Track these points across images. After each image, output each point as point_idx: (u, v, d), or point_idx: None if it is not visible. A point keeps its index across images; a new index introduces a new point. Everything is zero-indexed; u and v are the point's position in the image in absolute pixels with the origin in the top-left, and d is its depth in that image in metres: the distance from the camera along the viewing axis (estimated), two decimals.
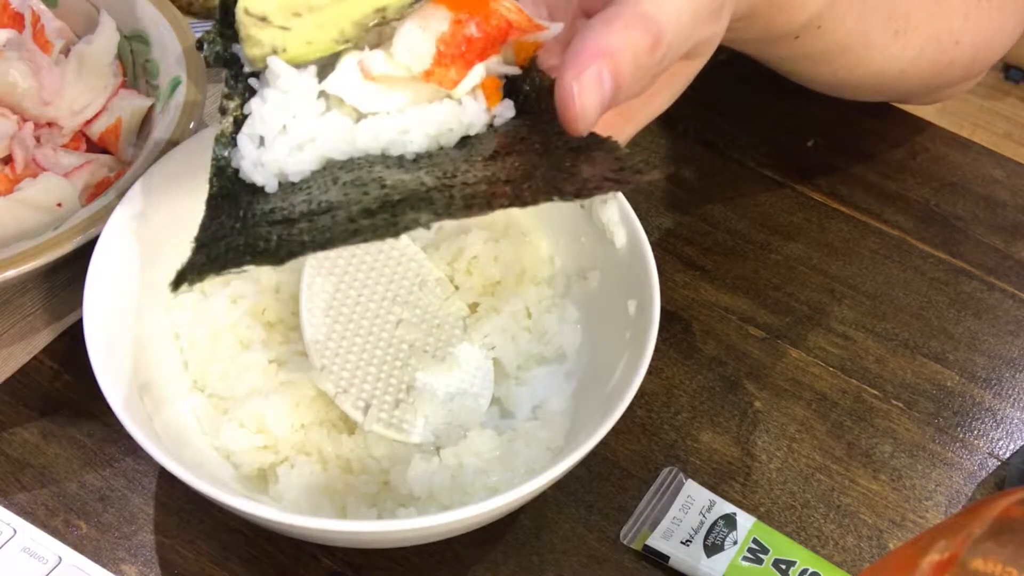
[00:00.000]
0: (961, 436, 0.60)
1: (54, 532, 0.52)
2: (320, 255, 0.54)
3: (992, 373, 0.63)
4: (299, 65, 0.42)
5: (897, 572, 0.38)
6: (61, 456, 0.55)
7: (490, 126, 0.43)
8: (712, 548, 0.53)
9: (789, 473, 0.58)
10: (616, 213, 0.54)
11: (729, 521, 0.54)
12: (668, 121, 0.49)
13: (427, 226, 0.38)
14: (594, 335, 0.56)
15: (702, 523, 0.54)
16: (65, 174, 0.59)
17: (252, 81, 0.43)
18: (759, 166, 0.73)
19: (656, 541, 0.53)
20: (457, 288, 0.57)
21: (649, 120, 0.48)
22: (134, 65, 0.65)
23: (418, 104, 0.42)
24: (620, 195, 0.54)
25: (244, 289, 0.55)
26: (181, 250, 0.54)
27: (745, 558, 0.53)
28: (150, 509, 0.54)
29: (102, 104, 0.63)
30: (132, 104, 0.62)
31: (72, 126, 0.62)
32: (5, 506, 0.52)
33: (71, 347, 0.59)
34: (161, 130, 0.58)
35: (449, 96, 0.43)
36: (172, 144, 0.56)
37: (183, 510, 0.54)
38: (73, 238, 0.53)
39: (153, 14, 0.64)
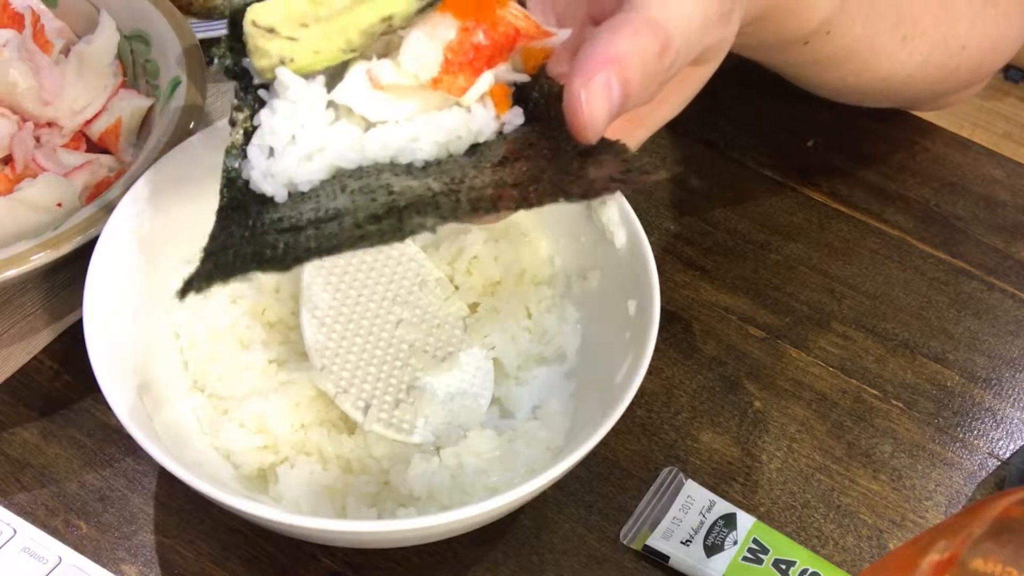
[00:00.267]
0: (961, 436, 0.60)
1: (54, 532, 0.52)
2: None
3: (992, 373, 0.63)
4: (307, 75, 0.42)
5: (897, 572, 0.38)
6: (61, 456, 0.55)
7: (499, 133, 0.43)
8: (712, 548, 0.53)
9: (789, 473, 0.58)
10: (616, 213, 0.54)
11: (729, 521, 0.54)
12: (669, 122, 0.49)
13: (433, 230, 0.38)
14: (594, 335, 0.56)
15: (702, 523, 0.54)
16: (65, 174, 0.59)
17: (261, 93, 0.43)
18: (759, 166, 0.73)
19: (656, 541, 0.53)
20: (457, 288, 0.57)
21: (659, 126, 0.48)
22: (134, 65, 0.65)
23: (427, 112, 0.42)
24: (620, 195, 0.55)
25: (244, 289, 0.55)
26: (181, 250, 0.55)
27: (745, 558, 0.53)
28: (150, 509, 0.54)
29: (102, 104, 0.63)
30: (132, 104, 0.62)
31: (72, 126, 0.62)
32: (5, 506, 0.52)
33: (71, 347, 0.59)
34: (161, 130, 0.58)
35: (458, 104, 0.43)
36: (172, 144, 0.56)
37: (183, 510, 0.54)
38: (73, 238, 0.53)
39: (153, 14, 0.64)
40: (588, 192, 0.38)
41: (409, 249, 0.56)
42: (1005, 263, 0.69)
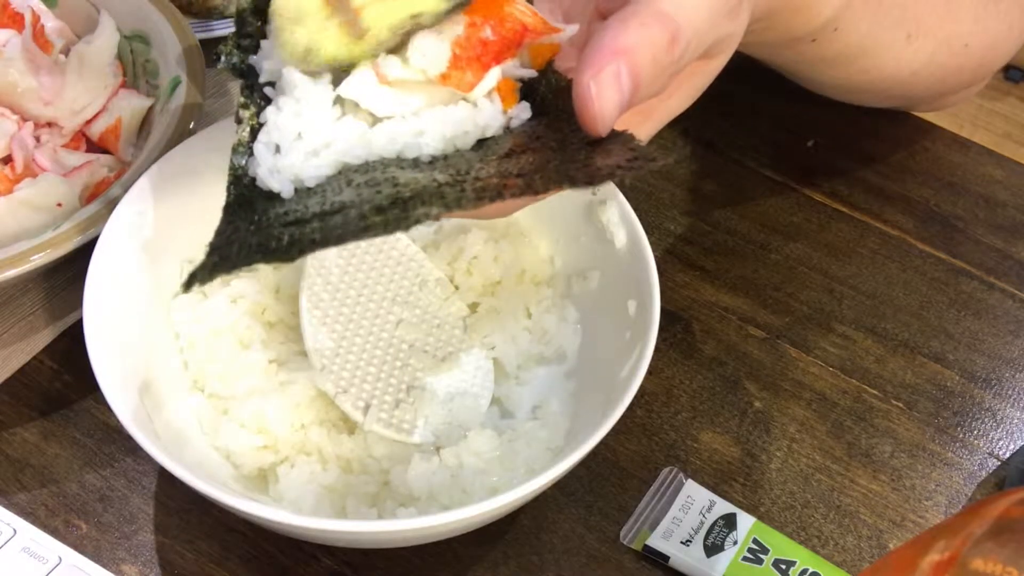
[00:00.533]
0: (961, 436, 0.60)
1: (54, 532, 0.52)
2: (320, 255, 0.54)
3: (992, 373, 0.63)
4: (334, 67, 0.42)
5: (897, 572, 0.38)
6: (61, 456, 0.55)
7: (506, 128, 0.43)
8: (712, 548, 0.53)
9: (789, 473, 0.58)
10: (616, 213, 0.54)
11: (729, 521, 0.54)
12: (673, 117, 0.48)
13: (437, 217, 0.38)
14: (594, 335, 0.56)
15: (702, 523, 0.54)
16: (65, 174, 0.59)
17: (268, 90, 0.44)
18: (759, 166, 0.73)
19: (656, 541, 0.53)
20: (457, 288, 0.57)
21: (668, 119, 0.47)
22: (134, 65, 0.65)
23: (434, 107, 0.43)
24: (620, 195, 0.55)
25: (244, 289, 0.55)
26: (182, 250, 0.55)
27: (745, 558, 0.53)
28: (150, 509, 0.54)
29: (102, 104, 0.63)
30: (132, 104, 0.62)
31: (72, 126, 0.62)
32: (5, 506, 0.52)
33: (71, 347, 0.59)
34: (161, 130, 0.58)
35: (465, 99, 0.43)
36: (172, 144, 0.56)
37: (183, 510, 0.54)
38: (73, 238, 0.53)
39: (153, 14, 0.64)
40: (594, 179, 0.38)
41: (409, 249, 0.56)
42: (1005, 263, 0.69)
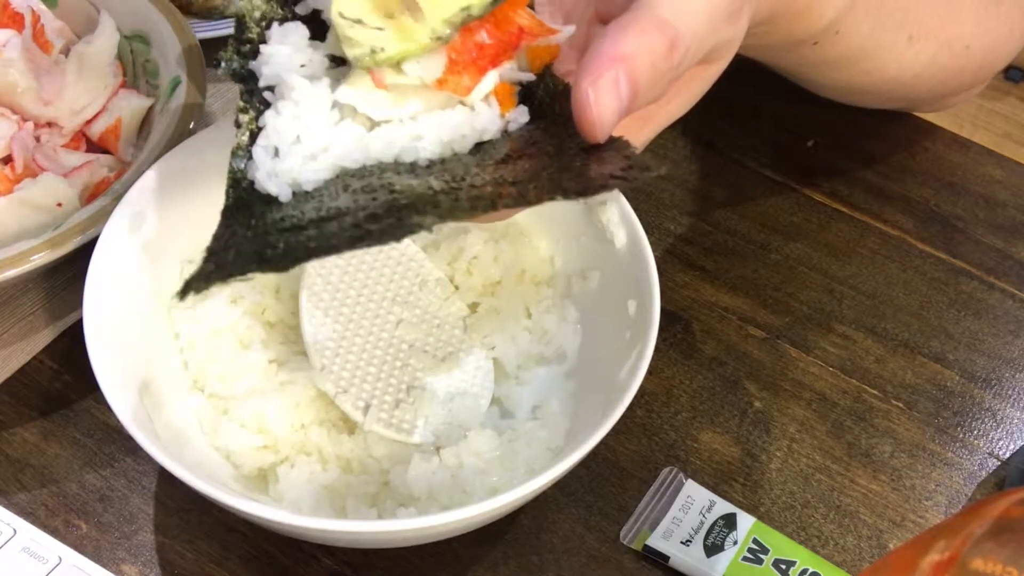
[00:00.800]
0: (961, 436, 0.60)
1: (54, 532, 0.52)
2: None
3: (992, 373, 0.63)
4: (396, 63, 0.42)
5: (897, 572, 0.38)
6: (61, 456, 0.55)
7: (504, 132, 0.43)
8: (712, 548, 0.53)
9: (789, 473, 0.58)
10: (616, 213, 0.54)
11: (729, 521, 0.54)
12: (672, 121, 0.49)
13: (430, 229, 0.38)
14: (594, 335, 0.56)
15: (702, 523, 0.54)
16: (65, 174, 0.59)
17: (267, 95, 0.44)
18: (759, 166, 0.73)
19: (656, 541, 0.53)
20: (457, 288, 0.57)
21: (666, 124, 0.47)
22: (134, 65, 0.65)
23: (431, 111, 0.43)
24: (620, 195, 0.55)
25: (244, 289, 0.55)
26: (181, 250, 0.55)
27: (745, 558, 0.53)
28: (150, 509, 0.54)
29: (102, 104, 0.63)
30: (132, 104, 0.62)
31: (72, 126, 0.62)
32: (5, 506, 0.52)
33: (71, 347, 0.59)
34: (161, 130, 0.58)
35: (462, 103, 0.43)
36: (172, 144, 0.56)
37: (183, 510, 0.54)
38: (73, 238, 0.53)
39: (153, 14, 0.64)
40: (586, 190, 0.38)
41: (409, 249, 0.56)
42: (1005, 263, 0.69)
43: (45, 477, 0.54)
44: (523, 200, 0.38)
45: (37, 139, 0.61)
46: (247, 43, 0.45)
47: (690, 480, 0.56)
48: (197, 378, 0.54)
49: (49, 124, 0.62)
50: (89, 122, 0.63)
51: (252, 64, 0.44)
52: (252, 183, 0.42)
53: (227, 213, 0.42)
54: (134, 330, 0.52)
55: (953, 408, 0.61)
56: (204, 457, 0.52)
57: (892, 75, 0.64)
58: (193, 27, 0.65)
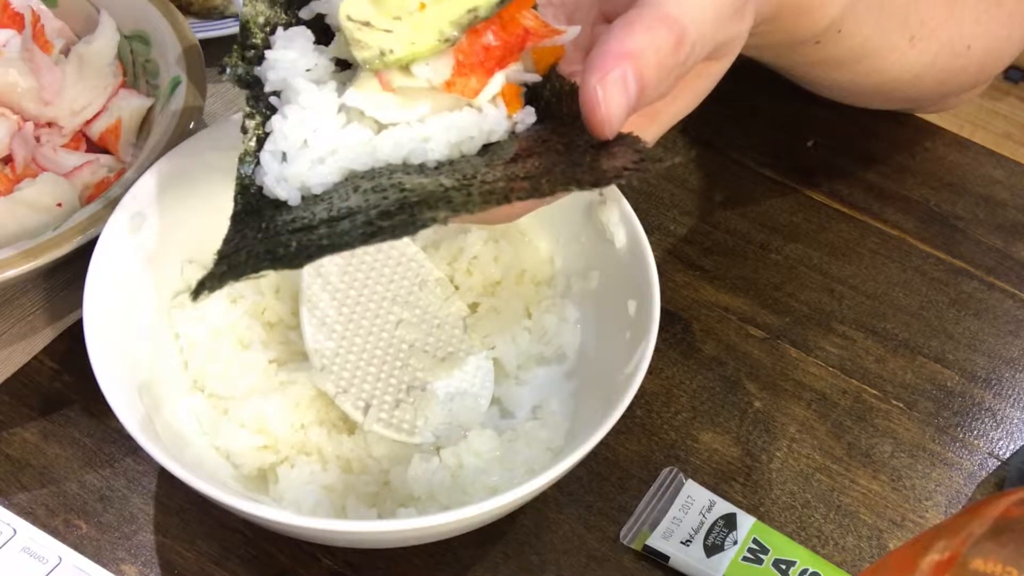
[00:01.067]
0: (961, 436, 0.60)
1: (54, 532, 0.52)
2: None
3: (992, 373, 0.63)
4: (405, 65, 0.42)
5: (897, 572, 0.38)
6: (61, 456, 0.55)
7: (512, 133, 0.43)
8: (712, 548, 0.53)
9: (789, 473, 0.58)
10: (616, 213, 0.54)
11: (729, 521, 0.54)
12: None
13: (444, 222, 0.38)
14: (594, 335, 0.56)
15: (702, 523, 0.54)
16: (65, 174, 0.59)
17: (273, 100, 0.44)
18: (759, 166, 0.73)
19: (656, 541, 0.53)
20: (457, 288, 0.57)
21: (673, 121, 0.48)
22: (134, 65, 0.65)
23: (439, 113, 0.43)
24: (621, 195, 0.55)
25: (244, 289, 0.55)
26: (181, 250, 0.55)
27: (745, 558, 0.53)
28: (150, 509, 0.54)
29: (102, 104, 0.63)
30: (132, 104, 0.62)
31: (72, 126, 0.62)
32: (5, 506, 0.52)
33: (71, 347, 0.59)
34: (161, 130, 0.58)
35: (470, 104, 0.43)
36: (172, 144, 0.56)
37: (183, 510, 0.54)
38: (73, 238, 0.53)
39: (153, 14, 0.64)
40: (600, 180, 0.38)
41: (409, 249, 0.56)
42: (1005, 263, 0.69)
43: (45, 477, 0.54)
44: (537, 192, 0.39)
45: (37, 139, 0.61)
46: (252, 48, 0.45)
47: (690, 480, 0.56)
48: (197, 378, 0.54)
49: (49, 124, 0.62)
50: (89, 122, 0.63)
51: (257, 69, 0.45)
52: (260, 188, 0.43)
53: (237, 218, 0.42)
54: (134, 330, 0.52)
55: (953, 408, 0.61)
56: (204, 457, 0.52)
57: (893, 75, 0.64)
58: (193, 27, 0.65)
